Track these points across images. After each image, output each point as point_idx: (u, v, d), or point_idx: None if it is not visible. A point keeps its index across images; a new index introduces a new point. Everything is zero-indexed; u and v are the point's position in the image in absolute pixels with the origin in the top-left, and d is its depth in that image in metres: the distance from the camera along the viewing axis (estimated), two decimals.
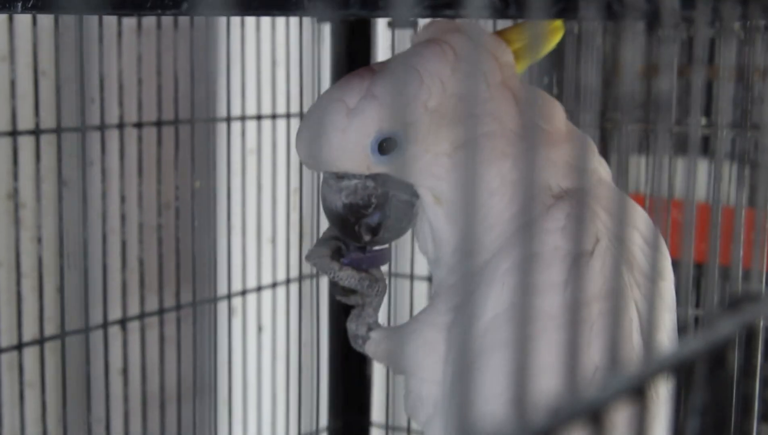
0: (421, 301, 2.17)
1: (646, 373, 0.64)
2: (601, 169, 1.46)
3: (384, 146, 1.39)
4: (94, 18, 1.89)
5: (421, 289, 2.28)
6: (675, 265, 1.40)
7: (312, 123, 1.42)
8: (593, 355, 1.25)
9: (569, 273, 1.31)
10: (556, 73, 2.11)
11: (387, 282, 1.53)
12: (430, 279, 1.92)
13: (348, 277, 1.48)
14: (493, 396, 1.27)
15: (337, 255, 1.49)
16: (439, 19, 1.58)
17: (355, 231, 1.44)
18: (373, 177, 1.41)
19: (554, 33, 1.40)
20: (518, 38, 1.44)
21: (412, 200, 1.43)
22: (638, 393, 0.64)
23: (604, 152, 1.52)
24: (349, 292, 1.51)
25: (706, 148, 2.08)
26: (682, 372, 0.69)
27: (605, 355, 1.26)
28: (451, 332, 1.41)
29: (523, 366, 0.70)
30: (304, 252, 1.56)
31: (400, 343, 1.48)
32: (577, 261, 1.31)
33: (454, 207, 1.39)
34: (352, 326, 1.51)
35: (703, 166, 1.65)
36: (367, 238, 1.44)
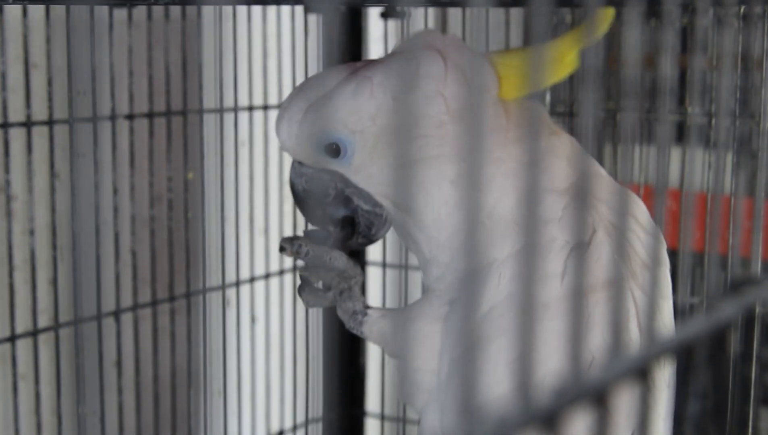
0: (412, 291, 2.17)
1: (649, 355, 0.64)
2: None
3: (332, 149, 1.41)
4: (85, 10, 1.88)
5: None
6: (673, 253, 1.40)
7: (281, 108, 1.47)
8: (590, 344, 1.26)
9: (566, 263, 1.31)
10: None
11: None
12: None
13: (338, 256, 1.49)
14: (494, 383, 1.27)
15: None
16: (426, 29, 1.57)
17: (317, 216, 1.47)
18: (329, 172, 1.43)
19: (567, 63, 1.33)
20: (521, 62, 1.38)
21: (375, 210, 1.44)
22: (641, 375, 0.65)
23: (604, 140, 1.51)
24: (320, 291, 1.51)
25: (682, 135, 2.07)
26: (684, 354, 0.70)
27: (602, 344, 1.26)
28: (447, 323, 1.41)
29: (522, 356, 0.70)
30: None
31: (395, 329, 1.48)
32: (574, 251, 1.32)
33: (416, 215, 1.40)
34: (349, 305, 1.49)
35: (691, 155, 1.65)
36: (330, 227, 1.46)
